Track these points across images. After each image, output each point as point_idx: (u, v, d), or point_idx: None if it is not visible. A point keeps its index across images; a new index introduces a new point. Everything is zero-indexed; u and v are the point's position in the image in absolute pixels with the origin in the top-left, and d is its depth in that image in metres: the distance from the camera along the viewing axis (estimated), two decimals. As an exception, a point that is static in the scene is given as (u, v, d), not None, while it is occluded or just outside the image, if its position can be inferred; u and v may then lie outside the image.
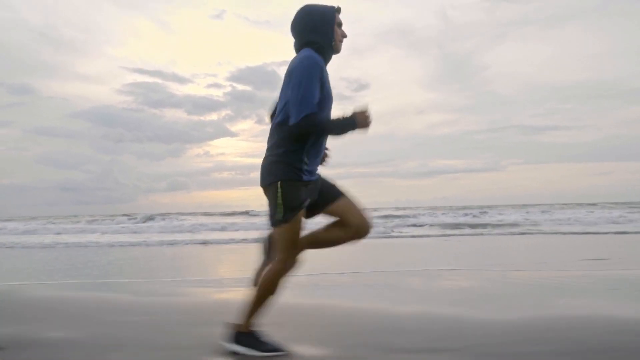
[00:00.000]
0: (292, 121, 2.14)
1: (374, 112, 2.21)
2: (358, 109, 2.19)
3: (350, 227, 2.33)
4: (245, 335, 2.30)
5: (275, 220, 2.24)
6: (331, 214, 2.37)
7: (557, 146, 59.69)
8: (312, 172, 2.29)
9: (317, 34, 2.27)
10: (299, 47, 2.32)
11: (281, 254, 2.27)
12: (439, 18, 55.30)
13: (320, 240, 2.37)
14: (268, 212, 2.28)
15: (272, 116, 2.42)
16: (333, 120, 2.21)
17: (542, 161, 66.23)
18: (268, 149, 2.29)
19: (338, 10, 2.34)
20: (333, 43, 2.30)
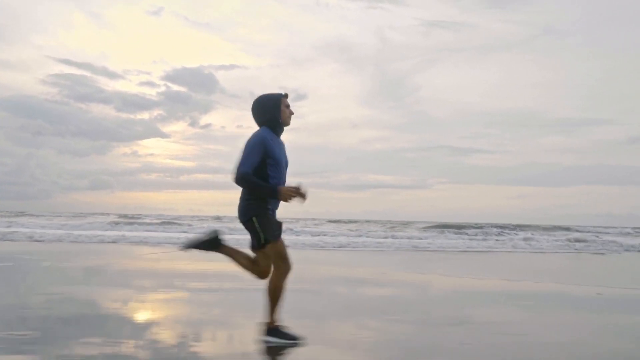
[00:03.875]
0: (233, 175, 2.98)
1: (300, 190, 2.99)
2: (285, 187, 3.00)
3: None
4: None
5: (261, 244, 3.02)
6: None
7: (480, 168, 62.79)
8: (274, 210, 3.09)
9: (268, 116, 3.10)
10: (257, 125, 3.15)
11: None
12: (378, 37, 56.73)
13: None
14: (252, 240, 3.07)
15: None
16: (260, 184, 2.97)
17: (466, 181, 69.74)
18: (241, 195, 3.06)
19: (285, 95, 3.15)
20: (281, 121, 3.12)
